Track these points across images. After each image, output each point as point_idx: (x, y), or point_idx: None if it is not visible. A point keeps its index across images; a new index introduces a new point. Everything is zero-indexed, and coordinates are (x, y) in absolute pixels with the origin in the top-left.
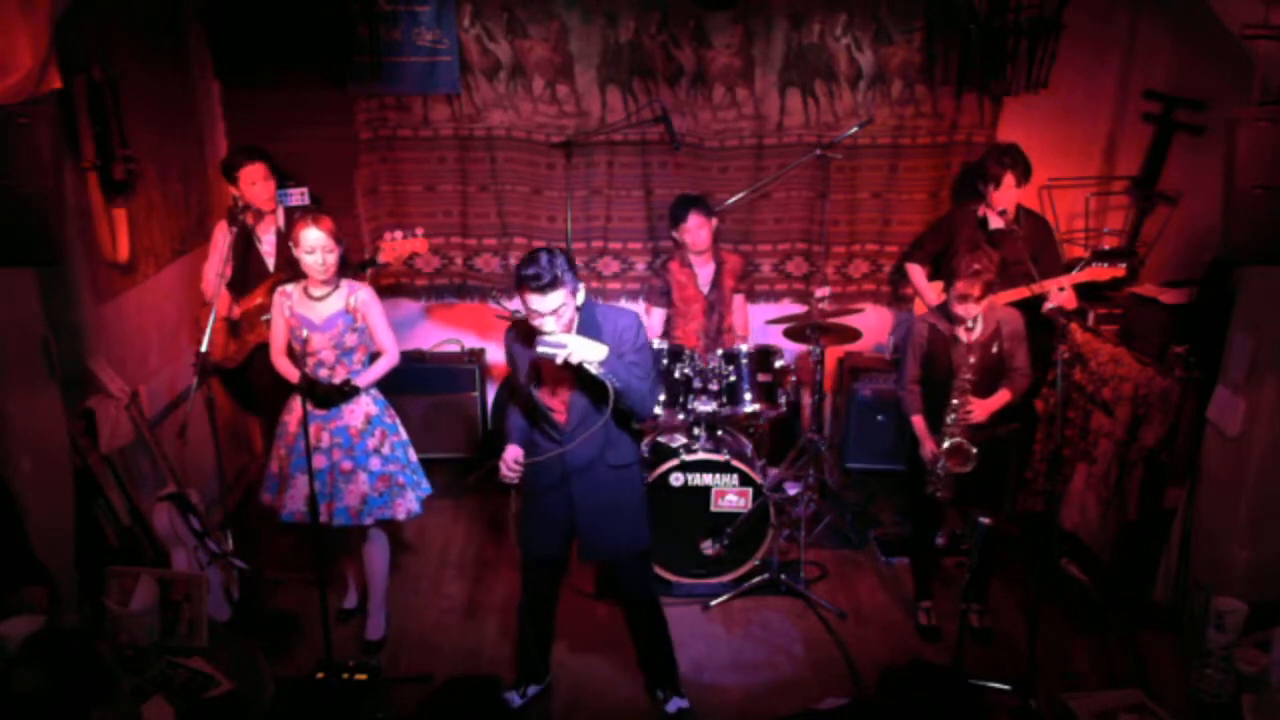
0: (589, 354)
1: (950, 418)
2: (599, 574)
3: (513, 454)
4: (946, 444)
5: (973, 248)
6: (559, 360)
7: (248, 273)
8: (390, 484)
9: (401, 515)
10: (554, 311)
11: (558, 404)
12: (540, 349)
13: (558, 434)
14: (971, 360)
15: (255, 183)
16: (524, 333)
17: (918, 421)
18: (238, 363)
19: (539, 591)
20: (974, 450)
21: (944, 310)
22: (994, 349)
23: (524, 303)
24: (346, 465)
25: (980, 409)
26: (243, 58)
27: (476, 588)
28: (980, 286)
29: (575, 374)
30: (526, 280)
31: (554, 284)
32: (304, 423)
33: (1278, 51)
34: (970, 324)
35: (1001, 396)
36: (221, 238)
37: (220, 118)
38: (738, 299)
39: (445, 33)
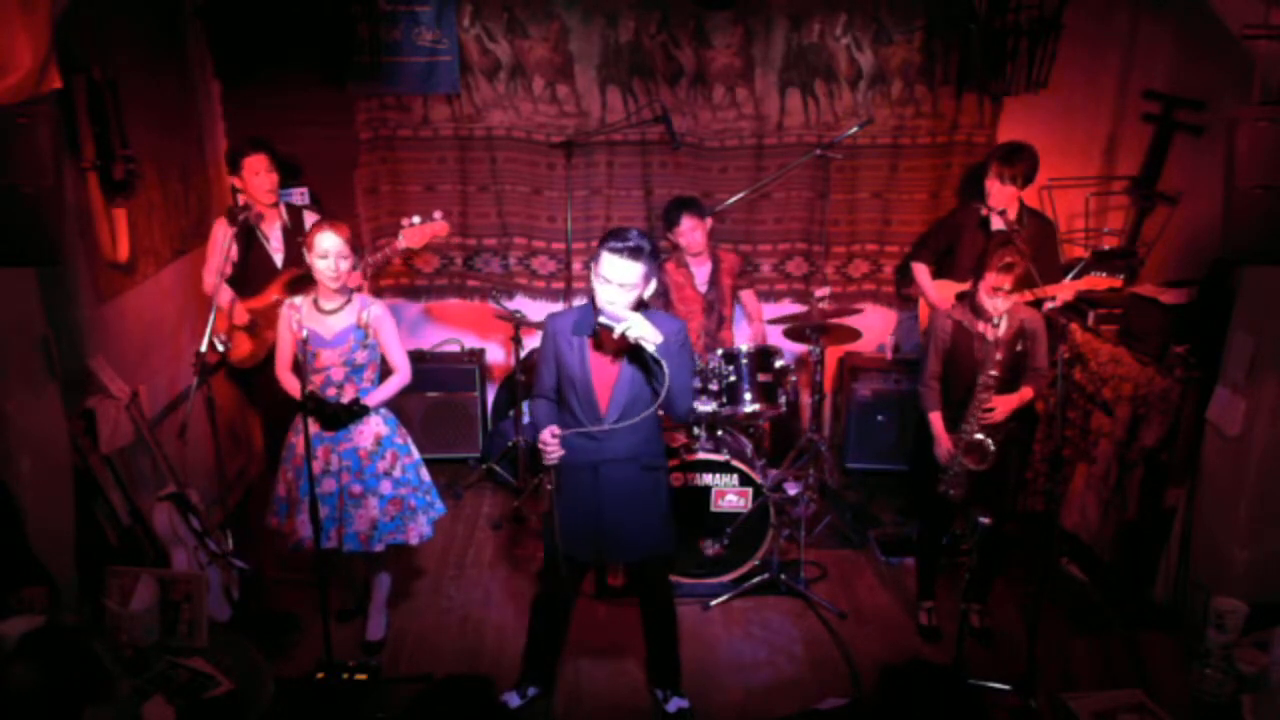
0: (648, 333)
1: (971, 415)
2: (598, 574)
3: (549, 430)
4: (965, 441)
5: (1003, 242)
6: (617, 333)
7: (253, 271)
8: (402, 508)
9: (414, 540)
10: (624, 285)
11: (601, 396)
12: (601, 319)
13: (597, 427)
14: (998, 357)
15: (259, 173)
16: (573, 319)
17: (935, 418)
18: (260, 360)
19: (560, 595)
20: (993, 448)
21: (970, 305)
22: (1018, 347)
23: (597, 269)
24: (356, 489)
25: (1002, 406)
26: (243, 57)
27: (476, 588)
28: (1011, 280)
29: (627, 356)
30: (612, 243)
31: (637, 254)
32: (306, 444)
33: (1278, 51)
34: (996, 321)
35: (1023, 394)
36: (221, 235)
37: (220, 118)
38: (747, 294)
39: (445, 33)
